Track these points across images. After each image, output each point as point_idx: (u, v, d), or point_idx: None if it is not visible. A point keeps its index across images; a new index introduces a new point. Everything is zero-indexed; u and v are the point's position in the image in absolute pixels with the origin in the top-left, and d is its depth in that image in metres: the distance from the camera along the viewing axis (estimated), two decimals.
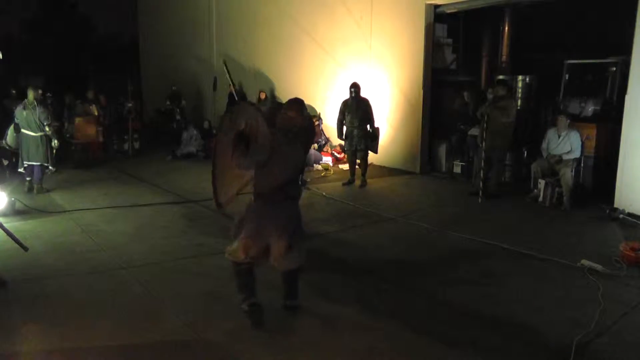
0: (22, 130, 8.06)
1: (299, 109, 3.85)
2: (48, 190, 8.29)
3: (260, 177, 3.79)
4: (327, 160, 10.51)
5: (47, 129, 8.11)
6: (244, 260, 3.82)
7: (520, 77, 9.13)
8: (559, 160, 7.27)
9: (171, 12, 16.74)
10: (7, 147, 8.58)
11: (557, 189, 7.31)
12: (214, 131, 12.01)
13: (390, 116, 10.05)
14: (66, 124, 11.15)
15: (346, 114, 8.49)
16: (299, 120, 3.81)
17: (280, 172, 3.73)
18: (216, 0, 14.68)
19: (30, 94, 8.18)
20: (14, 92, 11.93)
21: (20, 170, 8.28)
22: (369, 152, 8.66)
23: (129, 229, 6.36)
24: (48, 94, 12.20)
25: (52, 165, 8.36)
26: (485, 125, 7.61)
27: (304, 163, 4.09)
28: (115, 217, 6.88)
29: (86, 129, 10.77)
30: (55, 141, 8.34)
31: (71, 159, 10.65)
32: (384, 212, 7.05)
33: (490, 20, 10.24)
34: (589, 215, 6.88)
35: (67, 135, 10.89)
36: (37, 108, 8.16)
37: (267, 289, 4.24)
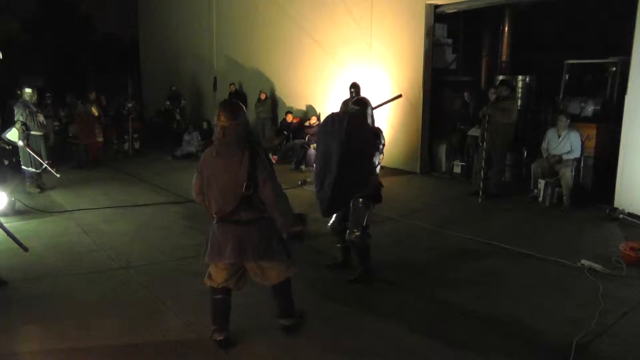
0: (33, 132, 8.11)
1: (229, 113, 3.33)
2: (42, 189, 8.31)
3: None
4: None
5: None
6: (220, 285, 3.56)
7: (520, 77, 9.13)
8: (559, 160, 7.26)
9: (171, 12, 16.75)
10: (7, 147, 8.59)
11: (557, 189, 7.31)
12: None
13: (391, 116, 10.05)
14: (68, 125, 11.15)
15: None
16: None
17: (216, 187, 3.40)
18: (216, 0, 14.69)
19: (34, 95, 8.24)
20: (19, 92, 11.93)
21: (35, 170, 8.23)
22: None
23: (129, 229, 6.37)
24: (48, 94, 12.21)
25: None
26: (485, 125, 7.61)
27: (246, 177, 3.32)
28: (115, 217, 6.89)
29: (87, 129, 10.78)
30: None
31: (74, 160, 10.62)
32: (384, 212, 7.04)
33: (490, 20, 10.25)
34: (589, 215, 6.88)
35: (70, 135, 10.87)
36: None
37: (268, 289, 4.23)
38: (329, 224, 4.79)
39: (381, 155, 4.57)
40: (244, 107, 3.47)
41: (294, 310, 3.76)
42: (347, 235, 4.58)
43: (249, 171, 3.28)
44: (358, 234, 4.49)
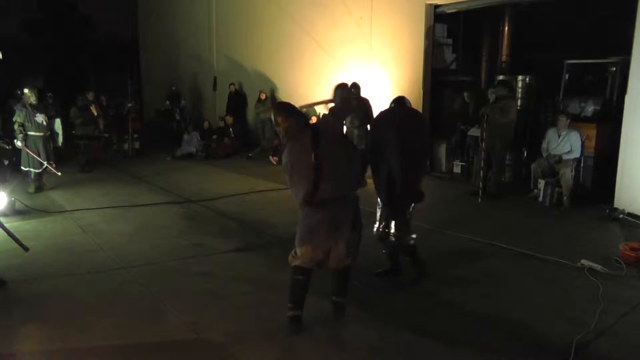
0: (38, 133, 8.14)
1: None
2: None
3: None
4: None
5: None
6: (308, 265, 3.69)
7: (520, 77, 9.13)
8: (559, 160, 7.27)
9: (171, 12, 16.74)
10: (7, 148, 8.58)
11: (557, 189, 7.31)
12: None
13: None
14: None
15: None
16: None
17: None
18: (216, 0, 14.69)
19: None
20: (19, 92, 11.92)
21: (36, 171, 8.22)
22: None
23: (129, 229, 6.36)
24: (49, 93, 12.19)
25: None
26: (485, 125, 7.61)
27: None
28: (115, 217, 6.89)
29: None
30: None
31: (79, 160, 10.57)
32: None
33: (490, 20, 10.24)
34: (589, 215, 6.87)
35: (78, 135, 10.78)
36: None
37: (268, 289, 4.25)
38: (375, 230, 4.60)
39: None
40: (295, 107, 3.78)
41: (348, 291, 3.92)
42: (394, 240, 4.47)
43: (312, 146, 3.51)
44: (411, 236, 4.48)
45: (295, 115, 3.68)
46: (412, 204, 4.50)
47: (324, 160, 3.48)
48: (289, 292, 3.75)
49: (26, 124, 8.05)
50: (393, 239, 4.48)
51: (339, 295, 3.87)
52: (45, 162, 8.18)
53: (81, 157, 10.44)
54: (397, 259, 4.75)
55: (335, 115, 3.74)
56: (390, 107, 4.63)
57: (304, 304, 3.73)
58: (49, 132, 8.41)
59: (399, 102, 4.58)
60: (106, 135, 11.63)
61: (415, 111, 4.80)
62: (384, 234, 4.53)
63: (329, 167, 3.50)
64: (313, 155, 3.47)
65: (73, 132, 10.52)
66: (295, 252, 3.73)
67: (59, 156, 8.96)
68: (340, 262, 3.71)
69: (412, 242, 4.51)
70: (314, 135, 3.54)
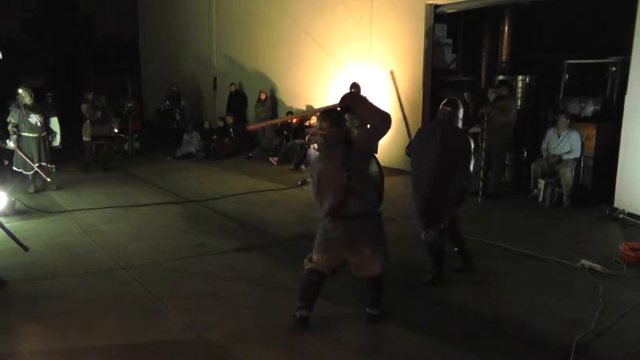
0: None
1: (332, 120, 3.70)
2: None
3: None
4: None
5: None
6: (324, 270, 3.73)
7: (520, 77, 9.13)
8: (559, 160, 7.27)
9: (171, 12, 16.75)
10: (7, 148, 8.55)
11: (557, 189, 7.31)
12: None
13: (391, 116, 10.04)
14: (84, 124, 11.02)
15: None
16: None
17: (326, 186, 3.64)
18: (216, 0, 14.69)
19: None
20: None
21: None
22: None
23: (129, 229, 6.36)
24: (48, 94, 12.18)
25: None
26: (484, 125, 7.61)
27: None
28: (115, 217, 6.88)
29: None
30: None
31: (87, 160, 10.55)
32: (384, 212, 7.00)
33: (490, 20, 10.24)
34: (589, 215, 6.87)
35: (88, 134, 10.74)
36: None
37: (268, 289, 4.25)
38: (423, 238, 4.55)
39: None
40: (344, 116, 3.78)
41: (383, 301, 3.89)
42: (422, 235, 4.49)
43: (346, 163, 3.52)
44: (433, 234, 4.43)
45: (340, 126, 3.67)
46: (448, 214, 4.49)
47: (353, 179, 3.51)
48: (300, 292, 3.75)
49: (20, 124, 7.95)
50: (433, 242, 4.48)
51: (371, 307, 3.86)
52: (35, 166, 8.00)
53: (89, 157, 10.45)
54: (442, 267, 4.63)
55: (371, 135, 3.77)
56: (437, 120, 4.55)
57: (313, 306, 3.72)
58: (45, 133, 8.23)
59: (446, 116, 4.45)
60: (122, 135, 11.63)
61: (462, 134, 4.62)
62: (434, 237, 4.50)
63: (357, 185, 3.54)
64: (346, 176, 3.49)
65: (85, 132, 10.46)
66: (311, 257, 3.78)
67: (57, 156, 8.87)
68: (362, 270, 3.74)
69: (430, 238, 4.44)
70: (348, 153, 3.54)
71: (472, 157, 4.52)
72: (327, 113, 3.80)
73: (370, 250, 3.67)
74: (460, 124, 4.55)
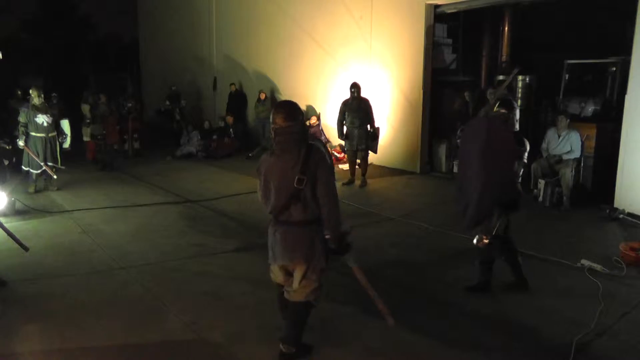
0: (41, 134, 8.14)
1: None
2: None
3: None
4: None
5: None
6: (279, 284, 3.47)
7: (520, 77, 9.13)
8: (559, 160, 7.27)
9: (171, 12, 16.75)
10: (7, 147, 8.56)
11: (557, 189, 7.31)
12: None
13: (391, 116, 10.05)
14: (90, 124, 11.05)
15: (347, 114, 8.49)
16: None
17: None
18: (216, 0, 14.69)
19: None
20: (19, 92, 11.90)
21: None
22: (369, 152, 8.66)
23: (129, 229, 6.36)
24: (53, 94, 12.18)
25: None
26: None
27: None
28: (115, 217, 6.89)
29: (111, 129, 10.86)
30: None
31: (101, 159, 10.61)
32: (384, 212, 7.05)
33: (490, 20, 10.25)
34: (589, 215, 6.87)
35: (98, 136, 10.78)
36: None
37: (268, 289, 4.23)
38: (475, 242, 4.28)
39: (522, 162, 4.33)
40: (300, 109, 3.34)
41: (299, 342, 3.40)
42: (474, 240, 4.22)
43: (302, 167, 3.11)
44: (486, 241, 4.18)
45: (296, 120, 3.22)
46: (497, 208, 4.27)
47: (306, 184, 3.11)
48: (280, 309, 3.57)
49: (28, 124, 8.05)
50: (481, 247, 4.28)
51: (284, 341, 3.36)
52: (42, 164, 8.06)
53: (101, 156, 10.60)
54: (488, 276, 4.48)
55: (329, 176, 3.28)
56: (482, 118, 4.39)
57: (298, 334, 3.40)
58: (54, 133, 8.26)
59: (500, 119, 4.27)
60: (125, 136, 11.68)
61: (508, 135, 4.27)
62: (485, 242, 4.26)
63: (308, 191, 3.13)
64: (296, 180, 3.09)
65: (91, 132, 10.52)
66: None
67: (67, 157, 8.85)
68: (291, 293, 3.34)
69: (481, 244, 4.22)
70: (306, 154, 3.14)
71: (522, 158, 4.34)
72: (282, 105, 3.38)
73: (302, 265, 3.24)
74: (517, 126, 4.37)
